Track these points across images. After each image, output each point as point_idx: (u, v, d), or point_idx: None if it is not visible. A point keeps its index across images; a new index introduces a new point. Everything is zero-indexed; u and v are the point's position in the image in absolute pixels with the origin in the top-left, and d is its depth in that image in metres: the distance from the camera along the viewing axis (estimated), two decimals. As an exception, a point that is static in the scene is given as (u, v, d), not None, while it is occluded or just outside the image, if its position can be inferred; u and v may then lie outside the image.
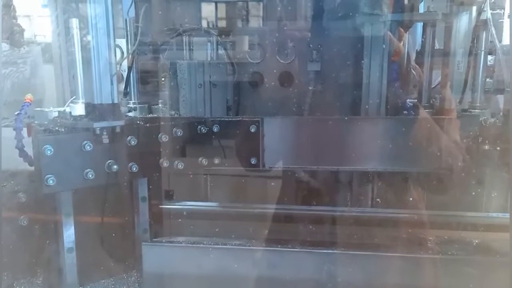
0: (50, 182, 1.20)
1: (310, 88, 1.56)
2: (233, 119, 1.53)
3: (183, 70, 1.65)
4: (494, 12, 1.49)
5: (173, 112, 1.63)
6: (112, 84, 1.30)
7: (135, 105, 1.59)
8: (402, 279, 1.35)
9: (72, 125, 1.28)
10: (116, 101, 1.33)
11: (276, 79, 1.63)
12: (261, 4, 1.90)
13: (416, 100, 1.58)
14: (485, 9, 1.46)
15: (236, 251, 1.43)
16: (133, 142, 1.35)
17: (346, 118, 1.46)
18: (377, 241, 1.46)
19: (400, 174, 1.51)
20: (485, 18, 1.46)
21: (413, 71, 1.62)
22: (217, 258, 1.43)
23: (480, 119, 1.46)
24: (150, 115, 1.61)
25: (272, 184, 1.65)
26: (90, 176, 1.27)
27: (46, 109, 1.43)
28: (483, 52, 1.49)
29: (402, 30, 1.51)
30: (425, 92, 1.56)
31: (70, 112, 1.33)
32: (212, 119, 1.47)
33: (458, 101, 1.52)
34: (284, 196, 1.63)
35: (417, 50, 1.63)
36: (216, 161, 1.48)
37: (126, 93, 1.56)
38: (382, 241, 1.46)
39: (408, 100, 1.56)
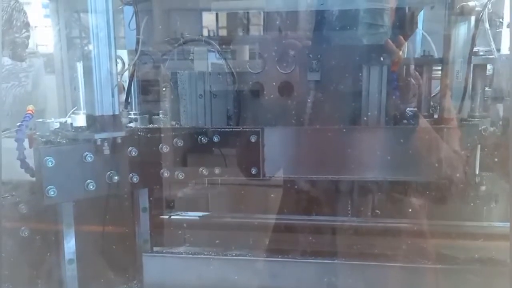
0: (51, 193, 1.20)
1: (309, 97, 1.57)
2: (233, 129, 1.53)
3: (184, 81, 1.65)
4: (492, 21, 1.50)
5: (173, 123, 1.64)
6: (113, 95, 1.31)
7: (136, 116, 1.60)
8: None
9: (73, 136, 1.29)
10: (117, 112, 1.33)
11: (276, 89, 1.64)
12: (262, 14, 1.91)
13: (416, 109, 1.59)
14: (483, 18, 1.47)
15: (236, 262, 1.43)
16: (134, 153, 1.35)
17: (345, 128, 1.46)
18: (377, 251, 1.46)
19: (401, 184, 1.51)
20: (484, 27, 1.47)
21: (412, 80, 1.62)
22: (218, 269, 1.43)
23: (480, 128, 1.46)
24: (151, 126, 1.62)
25: (272, 195, 1.65)
26: (91, 187, 1.27)
27: (48, 120, 1.45)
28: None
29: (402, 38, 1.52)
30: (424, 101, 1.57)
31: (72, 123, 1.33)
32: (212, 129, 1.48)
33: (457, 110, 1.52)
34: (284, 205, 1.64)
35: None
36: (217, 171, 1.49)
37: (127, 104, 1.57)
38: (383, 251, 1.46)
39: (408, 109, 1.57)
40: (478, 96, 1.53)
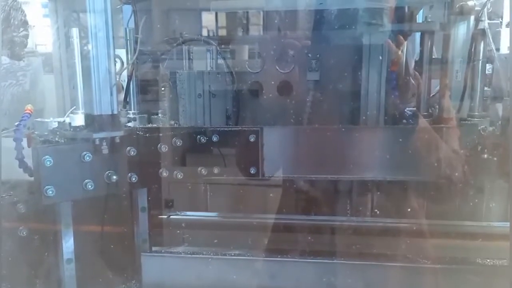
0: (50, 193, 1.20)
1: (308, 97, 1.57)
2: (232, 128, 1.53)
3: (183, 80, 1.65)
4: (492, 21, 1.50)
5: (172, 122, 1.64)
6: (111, 94, 1.31)
7: (134, 115, 1.59)
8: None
9: (72, 135, 1.29)
10: (116, 111, 1.33)
11: (275, 89, 1.64)
12: (261, 14, 1.91)
13: (415, 108, 1.58)
14: (482, 18, 1.47)
15: (235, 262, 1.43)
16: (132, 153, 1.35)
17: (344, 128, 1.46)
18: (376, 251, 1.46)
19: (400, 183, 1.51)
20: (483, 27, 1.47)
21: (412, 80, 1.62)
22: (217, 269, 1.42)
23: (479, 127, 1.45)
24: (150, 125, 1.62)
25: (271, 195, 1.65)
26: (90, 187, 1.27)
27: (46, 120, 1.44)
28: (481, 61, 1.51)
29: (401, 38, 1.52)
30: (423, 100, 1.57)
31: (70, 123, 1.33)
32: (211, 128, 1.47)
33: (456, 109, 1.52)
34: (283, 205, 1.63)
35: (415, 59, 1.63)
36: (216, 170, 1.48)
37: (125, 104, 1.56)
38: (382, 251, 1.46)
39: (407, 109, 1.57)
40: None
